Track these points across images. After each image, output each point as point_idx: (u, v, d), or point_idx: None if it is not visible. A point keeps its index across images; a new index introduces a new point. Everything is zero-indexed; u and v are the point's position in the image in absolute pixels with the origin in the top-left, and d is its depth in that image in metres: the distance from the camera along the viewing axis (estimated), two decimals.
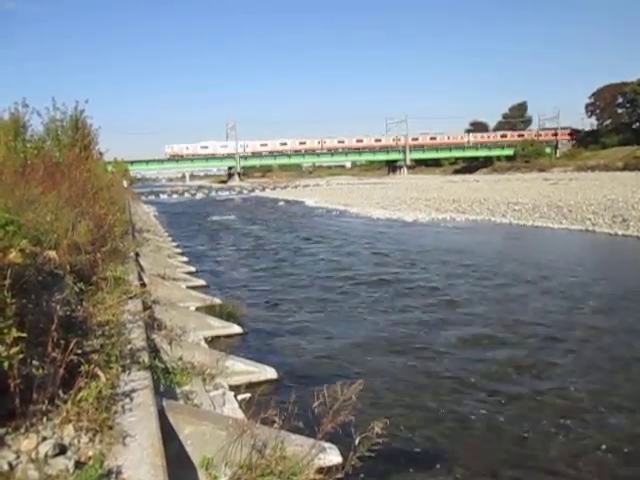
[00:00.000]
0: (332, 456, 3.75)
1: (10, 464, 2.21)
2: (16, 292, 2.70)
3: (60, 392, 2.63)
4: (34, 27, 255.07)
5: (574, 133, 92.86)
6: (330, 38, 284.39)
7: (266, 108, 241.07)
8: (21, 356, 2.40)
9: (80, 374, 2.74)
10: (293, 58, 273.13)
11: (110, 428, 2.52)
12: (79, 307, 3.81)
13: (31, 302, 2.98)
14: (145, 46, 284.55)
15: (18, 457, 2.25)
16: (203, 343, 6.62)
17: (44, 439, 2.35)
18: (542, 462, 4.20)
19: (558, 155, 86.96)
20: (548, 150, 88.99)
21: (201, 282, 11.14)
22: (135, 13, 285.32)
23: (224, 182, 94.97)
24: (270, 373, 5.89)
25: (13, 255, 2.89)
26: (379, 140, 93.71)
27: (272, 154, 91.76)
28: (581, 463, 4.14)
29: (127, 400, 2.82)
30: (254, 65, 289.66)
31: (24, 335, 2.41)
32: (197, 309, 8.24)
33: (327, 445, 3.70)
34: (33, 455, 2.25)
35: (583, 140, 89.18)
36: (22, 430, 2.41)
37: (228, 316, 7.92)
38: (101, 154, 15.95)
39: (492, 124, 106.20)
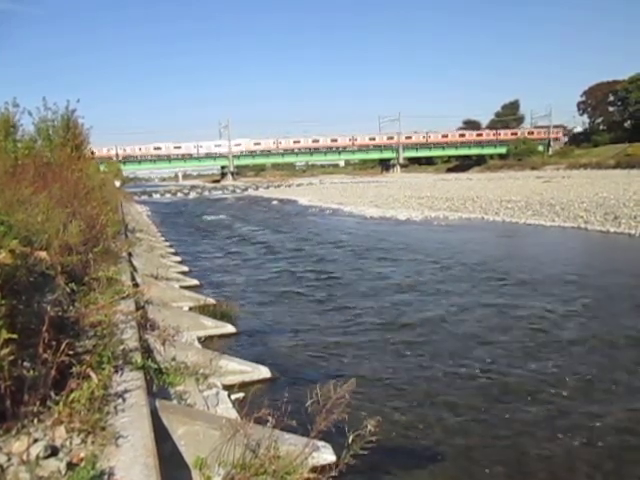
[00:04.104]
0: (326, 455, 3.75)
1: (1, 466, 2.19)
2: (6, 293, 2.68)
3: (52, 393, 2.61)
4: (30, 29, 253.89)
5: (567, 132, 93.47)
6: (323, 38, 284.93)
7: (258, 108, 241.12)
8: (12, 357, 2.38)
9: (72, 375, 2.72)
10: (286, 58, 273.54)
11: (102, 429, 2.50)
12: (71, 308, 3.78)
13: (22, 303, 2.96)
14: (141, 46, 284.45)
15: (9, 459, 2.24)
16: (196, 343, 6.61)
17: (35, 441, 2.34)
18: (538, 461, 4.23)
19: (550, 153, 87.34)
20: (540, 148, 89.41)
21: (194, 282, 11.12)
22: (131, 13, 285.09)
23: (217, 181, 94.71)
24: (264, 372, 5.89)
25: (3, 256, 2.87)
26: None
27: (265, 153, 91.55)
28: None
29: (120, 401, 2.81)
30: (248, 65, 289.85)
31: (15, 336, 2.40)
32: (190, 309, 8.22)
33: (321, 444, 3.70)
34: (24, 457, 2.24)
35: (575, 138, 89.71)
36: (13, 432, 2.39)
37: (221, 316, 7.91)
38: (92, 153, 15.84)
39: (485, 122, 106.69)
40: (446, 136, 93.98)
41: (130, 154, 79.09)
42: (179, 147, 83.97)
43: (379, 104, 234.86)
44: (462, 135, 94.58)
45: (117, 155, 73.83)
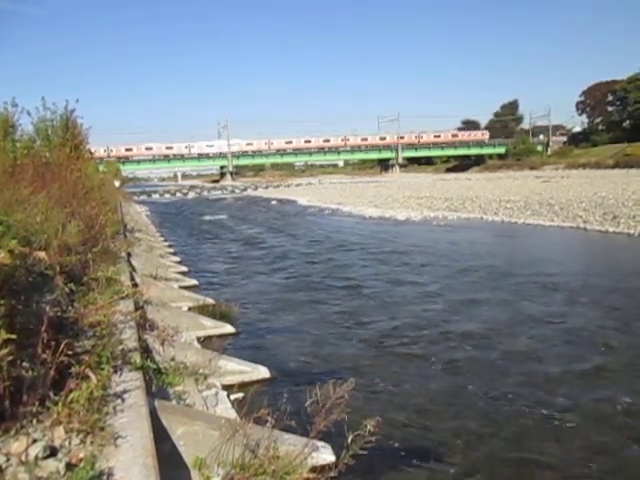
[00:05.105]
0: (325, 455, 3.75)
1: (0, 467, 2.19)
2: (5, 293, 2.67)
3: (51, 394, 2.61)
4: (30, 29, 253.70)
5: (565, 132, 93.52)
6: (323, 38, 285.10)
7: (258, 108, 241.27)
8: (11, 358, 2.38)
9: (71, 375, 2.71)
10: (286, 58, 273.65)
11: (101, 429, 2.50)
12: (70, 308, 3.77)
13: (21, 303, 2.95)
14: (141, 46, 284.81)
15: (8, 460, 2.23)
16: (196, 343, 6.60)
17: (34, 441, 2.33)
18: (538, 461, 4.22)
19: (549, 153, 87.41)
20: (539, 148, 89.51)
21: (193, 282, 11.11)
22: (131, 13, 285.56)
23: (216, 181, 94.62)
24: (263, 372, 5.89)
25: (2, 256, 2.86)
26: (402, 137, 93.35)
27: (264, 153, 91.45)
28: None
29: (119, 401, 2.80)
30: (248, 65, 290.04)
31: (14, 337, 2.39)
32: (189, 309, 8.22)
33: (320, 444, 3.69)
34: (23, 457, 2.23)
35: (574, 138, 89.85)
36: (12, 432, 2.38)
37: (221, 316, 7.90)
38: (91, 154, 15.79)
39: (484, 122, 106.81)
40: (365, 139, 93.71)
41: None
42: (150, 148, 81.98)
43: (379, 104, 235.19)
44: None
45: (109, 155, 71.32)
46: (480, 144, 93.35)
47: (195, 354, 5.66)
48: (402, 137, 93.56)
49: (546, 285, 10.14)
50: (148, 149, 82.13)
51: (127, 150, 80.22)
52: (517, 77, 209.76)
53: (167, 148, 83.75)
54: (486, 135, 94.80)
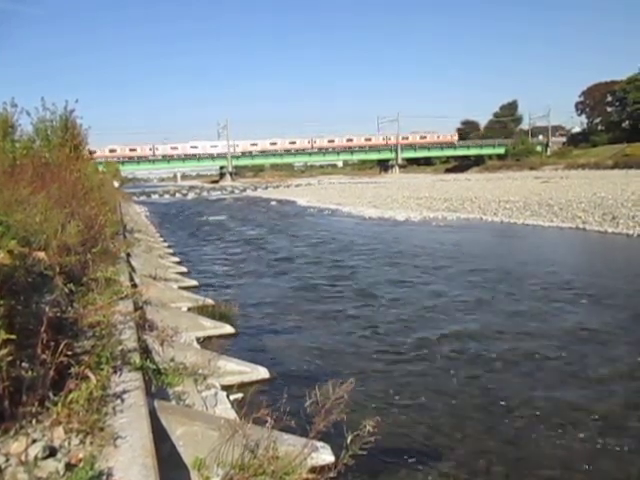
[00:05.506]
0: (325, 455, 3.75)
1: None
2: (5, 293, 2.68)
3: (50, 394, 2.61)
4: (30, 29, 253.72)
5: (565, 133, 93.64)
6: (323, 38, 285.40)
7: (258, 108, 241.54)
8: (10, 358, 2.38)
9: (70, 376, 2.71)
10: (286, 58, 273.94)
11: (101, 430, 2.50)
12: (69, 308, 3.77)
13: (20, 303, 2.95)
14: (141, 46, 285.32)
15: (7, 460, 2.23)
16: (195, 343, 6.60)
17: (34, 441, 2.33)
18: (538, 462, 4.22)
19: (549, 153, 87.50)
20: (539, 149, 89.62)
21: (193, 282, 11.11)
22: (131, 13, 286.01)
23: (216, 182, 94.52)
24: (262, 373, 5.89)
25: (1, 256, 2.86)
26: (369, 139, 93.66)
27: (264, 153, 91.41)
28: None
29: (118, 401, 2.80)
30: (248, 65, 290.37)
31: (13, 337, 2.39)
32: (189, 309, 8.21)
33: (319, 444, 3.69)
34: (23, 458, 2.23)
35: (573, 138, 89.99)
36: (12, 433, 2.38)
37: (220, 316, 7.89)
38: (91, 154, 15.77)
39: (483, 123, 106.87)
40: (332, 141, 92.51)
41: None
42: (114, 150, 78.00)
43: (379, 104, 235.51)
44: (350, 140, 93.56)
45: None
46: (451, 146, 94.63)
47: (194, 354, 5.66)
48: (369, 139, 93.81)
49: (548, 287, 10.12)
50: (112, 151, 78.38)
51: (91, 153, 78.56)
52: (517, 77, 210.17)
53: (131, 150, 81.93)
54: (455, 137, 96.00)
